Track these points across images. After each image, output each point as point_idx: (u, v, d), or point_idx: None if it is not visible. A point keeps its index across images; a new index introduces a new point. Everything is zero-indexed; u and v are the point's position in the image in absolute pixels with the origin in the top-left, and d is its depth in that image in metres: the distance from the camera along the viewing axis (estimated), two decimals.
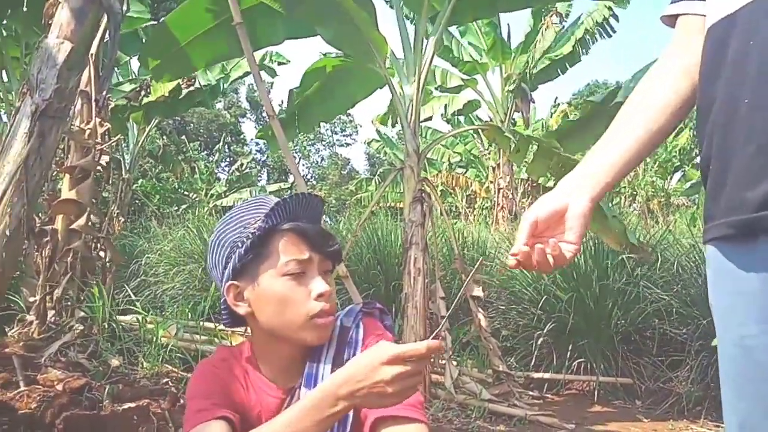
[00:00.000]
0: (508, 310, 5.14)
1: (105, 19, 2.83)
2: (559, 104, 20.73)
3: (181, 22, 4.17)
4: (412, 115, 3.99)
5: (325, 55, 5.01)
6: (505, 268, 5.44)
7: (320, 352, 1.16)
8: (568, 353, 4.52)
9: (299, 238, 1.13)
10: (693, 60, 1.01)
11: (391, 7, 5.60)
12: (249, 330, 1.22)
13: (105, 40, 3.95)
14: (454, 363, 4.12)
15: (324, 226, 1.23)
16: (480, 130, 6.78)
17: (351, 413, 1.10)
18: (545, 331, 4.65)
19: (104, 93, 3.73)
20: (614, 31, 9.00)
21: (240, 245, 1.13)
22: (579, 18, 9.51)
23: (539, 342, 4.72)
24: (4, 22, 5.82)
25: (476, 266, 4.66)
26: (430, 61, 4.08)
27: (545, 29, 9.66)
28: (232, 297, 1.15)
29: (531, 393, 4.24)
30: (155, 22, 5.10)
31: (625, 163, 1.04)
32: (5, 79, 5.47)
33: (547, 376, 4.47)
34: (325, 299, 1.12)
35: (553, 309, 4.66)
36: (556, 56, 9.66)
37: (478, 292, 3.99)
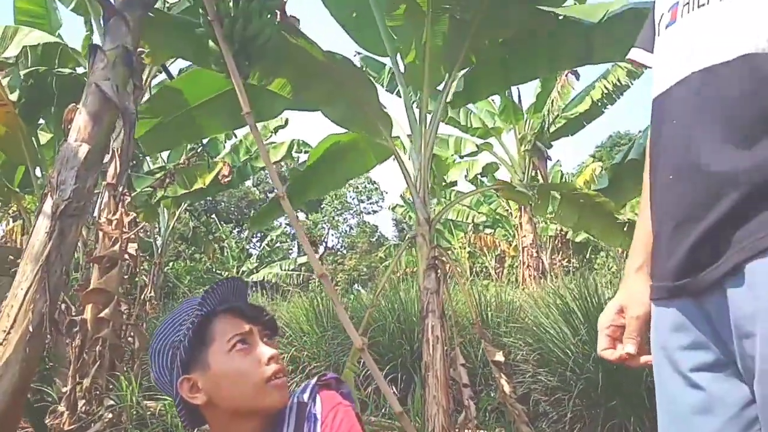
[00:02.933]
0: (537, 373, 5.04)
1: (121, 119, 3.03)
2: (586, 165, 20.79)
3: (187, 89, 4.24)
4: (420, 185, 4.10)
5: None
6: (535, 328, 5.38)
7: (282, 429, 1.21)
8: (601, 415, 4.39)
9: (235, 315, 1.23)
10: None
11: (389, 91, 5.85)
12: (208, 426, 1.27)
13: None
14: None
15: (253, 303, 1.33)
16: (495, 190, 6.83)
17: None
18: (576, 392, 4.53)
19: (121, 188, 3.92)
20: (626, 90, 9.12)
21: (183, 338, 1.20)
22: (596, 80, 9.66)
23: (570, 404, 4.59)
24: (40, 122, 6.23)
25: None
26: (435, 133, 4.22)
27: (561, 87, 9.83)
28: (186, 391, 1.20)
29: None
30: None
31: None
32: (39, 176, 5.80)
33: None
34: (275, 361, 1.21)
35: (582, 369, 4.56)
36: (572, 115, 9.79)
37: (499, 357, 3.95)
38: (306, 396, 1.25)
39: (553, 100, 9.80)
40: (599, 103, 9.33)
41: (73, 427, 3.89)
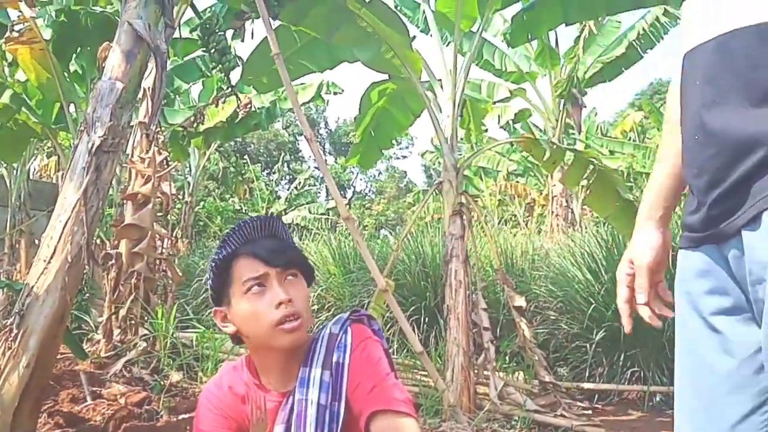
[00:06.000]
0: (558, 319, 5.11)
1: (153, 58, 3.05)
2: (626, 114, 20.17)
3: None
4: (449, 130, 4.08)
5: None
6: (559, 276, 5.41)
7: (312, 356, 1.29)
8: (620, 362, 4.46)
9: (252, 258, 1.26)
10: None
11: (424, 32, 5.77)
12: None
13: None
14: (501, 374, 4.14)
15: (281, 240, 1.35)
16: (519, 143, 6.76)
17: (343, 409, 1.22)
18: (596, 340, 4.60)
19: (154, 126, 3.98)
20: (666, 33, 8.79)
21: (210, 277, 1.30)
22: (633, 24, 9.32)
23: (591, 351, 4.67)
24: (72, 61, 6.28)
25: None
26: (466, 77, 4.16)
27: (587, 32, 9.53)
28: (219, 320, 1.31)
29: (580, 404, 4.20)
30: (206, 53, 5.37)
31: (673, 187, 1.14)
32: (73, 113, 5.90)
33: (596, 386, 4.42)
34: (286, 305, 1.24)
35: (603, 318, 4.61)
36: (609, 59, 9.51)
37: (520, 302, 4.01)
38: (337, 328, 1.32)
39: (585, 43, 9.52)
40: (637, 47, 9.03)
41: (109, 354, 4.10)
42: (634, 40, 9.04)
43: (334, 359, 1.27)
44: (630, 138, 15.50)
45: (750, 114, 0.88)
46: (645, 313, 1.12)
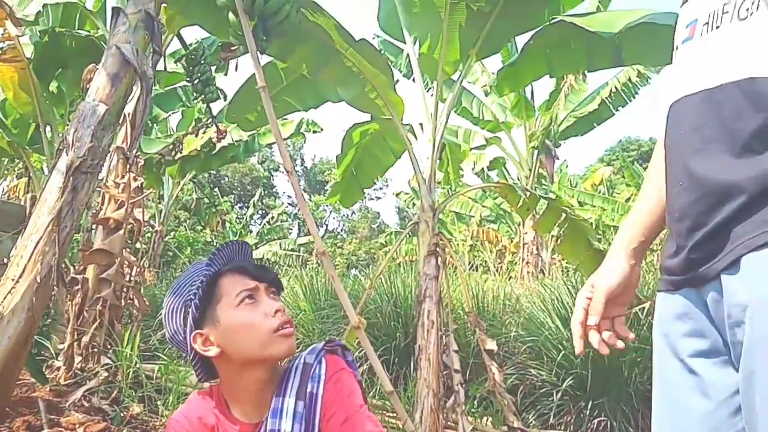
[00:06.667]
0: (527, 365, 5.11)
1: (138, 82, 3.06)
2: (595, 168, 20.75)
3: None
4: (428, 172, 4.13)
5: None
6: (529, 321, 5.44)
7: (285, 386, 1.28)
8: (587, 411, 4.46)
9: (241, 273, 1.30)
10: None
11: (406, 76, 5.91)
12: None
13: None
14: (469, 418, 4.10)
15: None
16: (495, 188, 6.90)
17: None
18: (563, 387, 4.60)
19: (134, 152, 3.96)
20: (637, 93, 9.11)
21: (193, 296, 1.27)
22: (606, 82, 9.67)
23: (557, 398, 4.67)
24: (52, 81, 6.24)
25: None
26: (445, 122, 4.25)
27: (567, 87, 9.84)
28: (200, 344, 1.28)
29: None
30: (189, 83, 5.39)
31: (651, 223, 1.18)
32: (49, 135, 5.83)
33: None
34: (282, 313, 1.28)
35: (572, 365, 4.62)
36: (582, 114, 9.81)
37: (491, 345, 4.01)
38: (312, 358, 1.31)
39: (565, 97, 9.81)
40: (609, 104, 9.34)
41: (68, 381, 3.95)
42: (606, 97, 9.37)
43: (308, 389, 1.26)
44: (599, 191, 15.88)
45: (733, 162, 0.93)
46: (594, 338, 1.16)
